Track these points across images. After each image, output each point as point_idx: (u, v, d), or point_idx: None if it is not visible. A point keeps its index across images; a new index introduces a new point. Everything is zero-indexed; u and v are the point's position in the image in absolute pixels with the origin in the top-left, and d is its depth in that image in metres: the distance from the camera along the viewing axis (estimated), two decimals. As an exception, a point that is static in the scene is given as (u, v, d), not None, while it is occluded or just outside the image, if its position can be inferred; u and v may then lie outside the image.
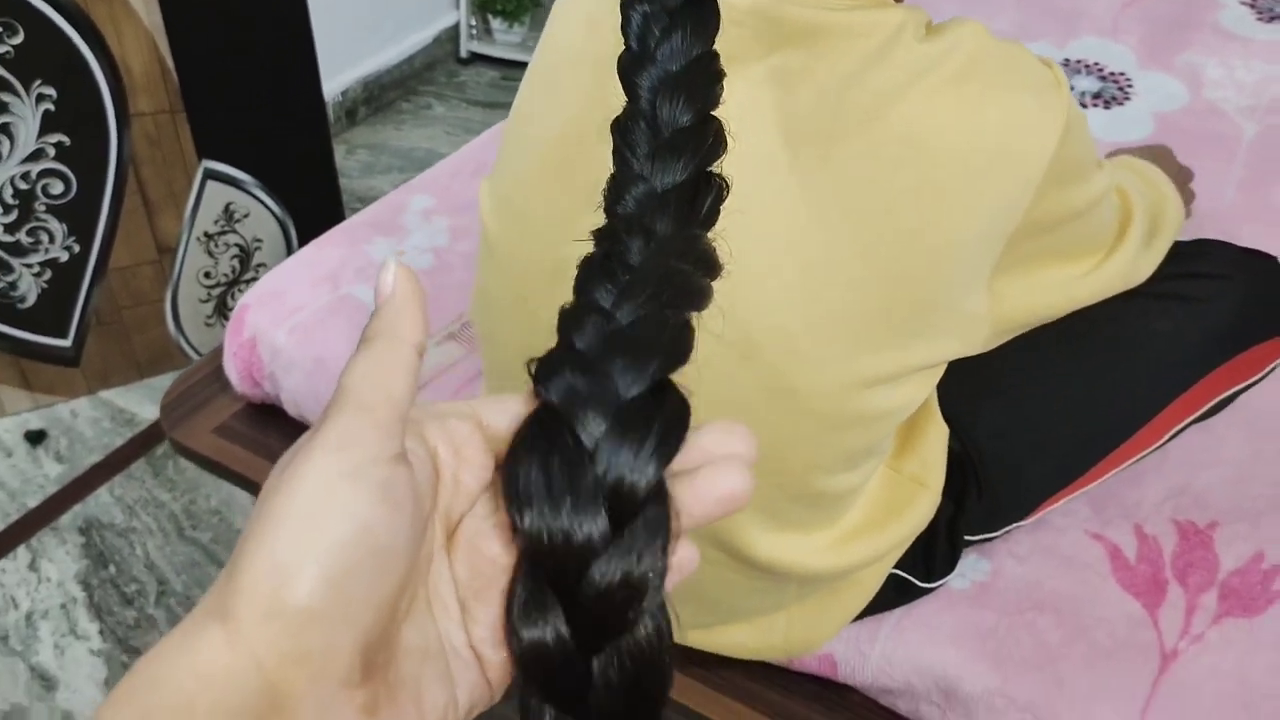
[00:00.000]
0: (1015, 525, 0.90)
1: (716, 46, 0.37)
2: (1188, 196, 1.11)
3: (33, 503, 1.81)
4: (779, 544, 0.75)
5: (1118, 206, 0.79)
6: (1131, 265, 0.79)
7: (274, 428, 1.18)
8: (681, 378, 0.62)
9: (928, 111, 0.63)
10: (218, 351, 1.21)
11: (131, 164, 1.78)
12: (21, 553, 1.73)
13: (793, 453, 0.70)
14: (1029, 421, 0.85)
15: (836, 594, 0.82)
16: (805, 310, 0.66)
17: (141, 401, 2.00)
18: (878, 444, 0.74)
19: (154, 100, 1.74)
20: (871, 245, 0.64)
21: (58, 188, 1.76)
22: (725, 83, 0.37)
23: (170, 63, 1.72)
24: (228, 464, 1.15)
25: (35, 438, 1.92)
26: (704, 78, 0.39)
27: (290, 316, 1.12)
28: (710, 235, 0.52)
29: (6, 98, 1.64)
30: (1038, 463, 0.87)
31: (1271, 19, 1.68)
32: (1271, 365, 0.93)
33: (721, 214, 0.58)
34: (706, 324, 0.63)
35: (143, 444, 1.92)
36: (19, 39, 1.60)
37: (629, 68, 0.39)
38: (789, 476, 0.72)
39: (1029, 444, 0.86)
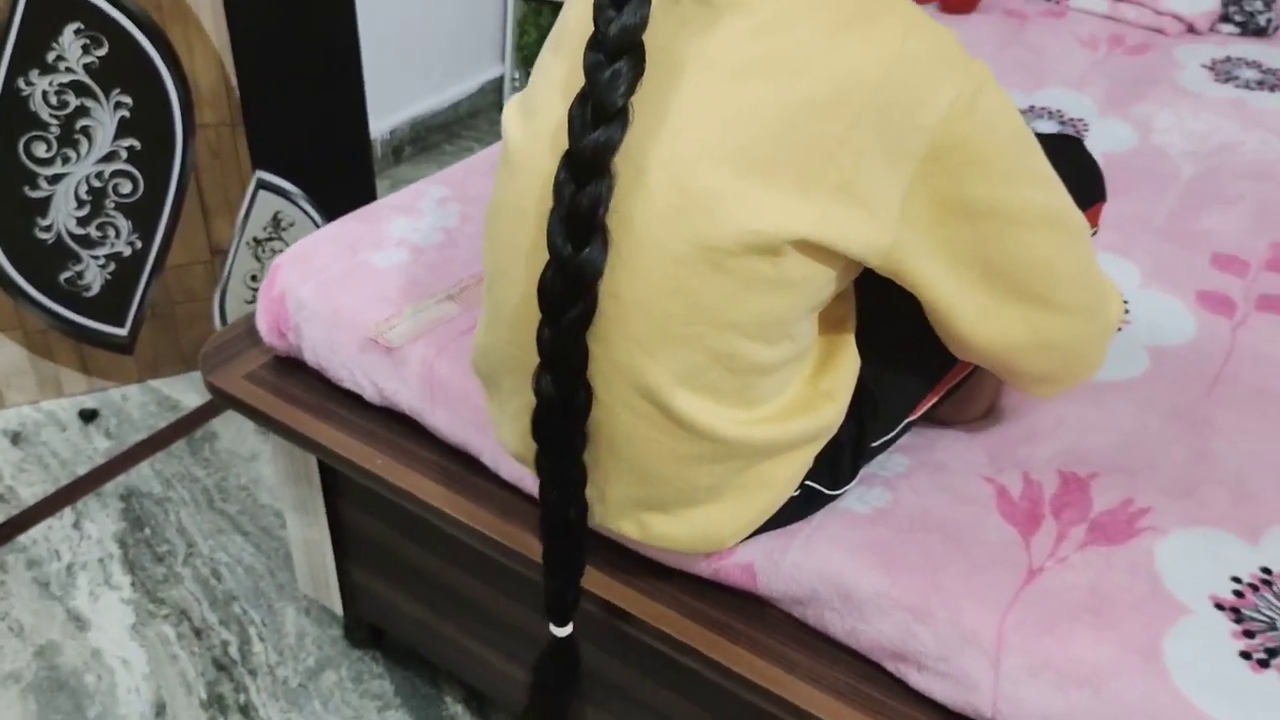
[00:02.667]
0: (907, 421, 1.06)
1: None
2: None
3: (81, 471, 1.99)
4: (694, 403, 0.89)
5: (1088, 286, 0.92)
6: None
7: (295, 376, 1.35)
8: (629, 231, 0.81)
9: (862, 40, 0.80)
10: (252, 314, 1.39)
11: (193, 170, 2.00)
12: (68, 514, 1.90)
13: (717, 307, 0.85)
14: (896, 330, 0.99)
15: (748, 491, 0.96)
16: (730, 162, 0.81)
17: (186, 390, 2.18)
18: (789, 323, 0.88)
19: (217, 113, 1.96)
20: (790, 103, 0.80)
21: (126, 187, 1.97)
22: None
23: (234, 80, 1.93)
24: (253, 404, 1.32)
25: (88, 416, 2.11)
26: (630, 71, 0.77)
27: (316, 275, 1.30)
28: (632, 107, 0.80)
29: (89, 103, 1.86)
30: (911, 365, 1.02)
31: (1227, 80, 1.83)
32: (1094, 229, 1.08)
33: (656, 79, 0.82)
34: (652, 175, 0.81)
35: (184, 427, 2.10)
36: (104, 51, 1.82)
37: (587, 51, 0.64)
38: (712, 329, 0.86)
39: (901, 350, 1.01)
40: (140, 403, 2.16)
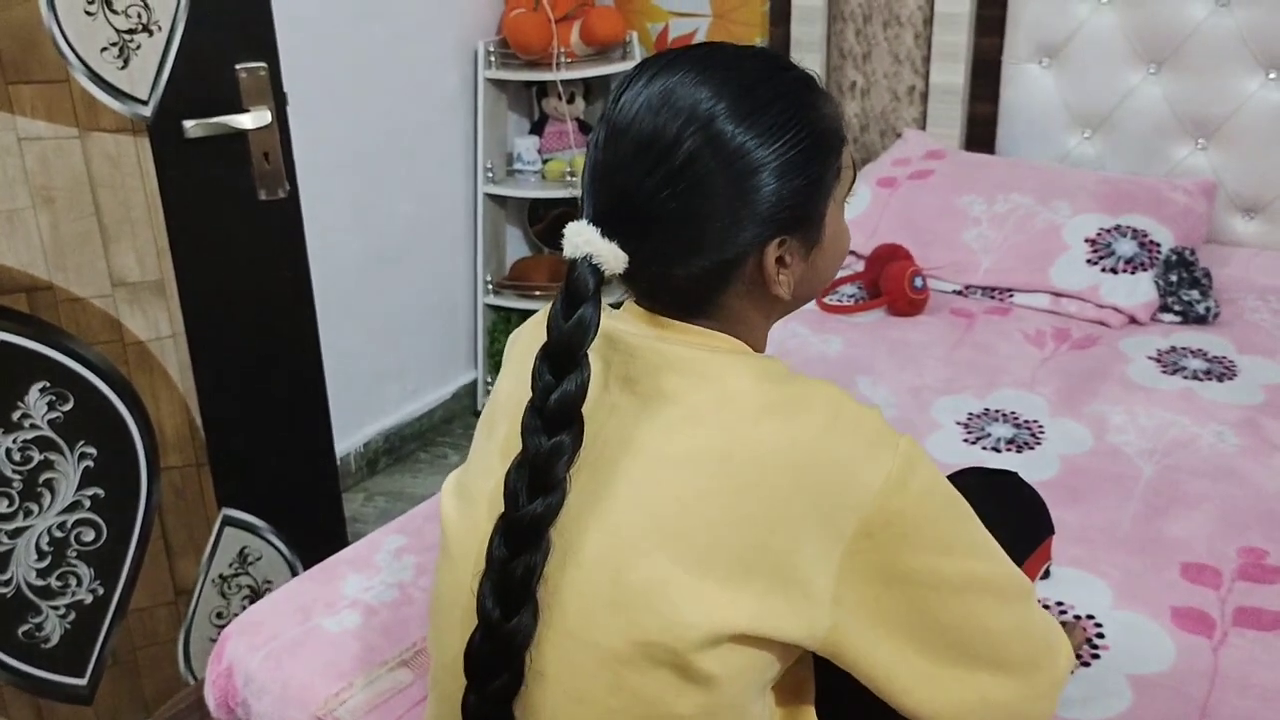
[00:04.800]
0: None
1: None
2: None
3: (27, 841, 1.86)
4: None
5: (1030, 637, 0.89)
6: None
7: (244, 753, 1.28)
8: (564, 619, 0.79)
9: (784, 426, 0.80)
10: (201, 683, 1.34)
11: (157, 512, 1.98)
12: None
13: (662, 700, 0.81)
14: (855, 698, 0.94)
15: None
16: (666, 552, 0.79)
17: (145, 739, 2.08)
18: (740, 707, 0.84)
19: (183, 455, 1.96)
20: (719, 490, 0.79)
21: (89, 535, 1.94)
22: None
23: (199, 422, 1.95)
24: (198, 788, 1.24)
25: (41, 776, 2.00)
26: (571, 444, 0.77)
27: (265, 645, 1.26)
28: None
29: (53, 456, 1.87)
30: None
31: (1174, 371, 1.87)
32: (1047, 563, 1.06)
33: (589, 460, 0.82)
34: (587, 564, 0.78)
35: (139, 782, 1.99)
36: (69, 406, 1.84)
37: (525, 419, 0.75)
38: None
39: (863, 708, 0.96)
40: (96, 757, 2.05)
